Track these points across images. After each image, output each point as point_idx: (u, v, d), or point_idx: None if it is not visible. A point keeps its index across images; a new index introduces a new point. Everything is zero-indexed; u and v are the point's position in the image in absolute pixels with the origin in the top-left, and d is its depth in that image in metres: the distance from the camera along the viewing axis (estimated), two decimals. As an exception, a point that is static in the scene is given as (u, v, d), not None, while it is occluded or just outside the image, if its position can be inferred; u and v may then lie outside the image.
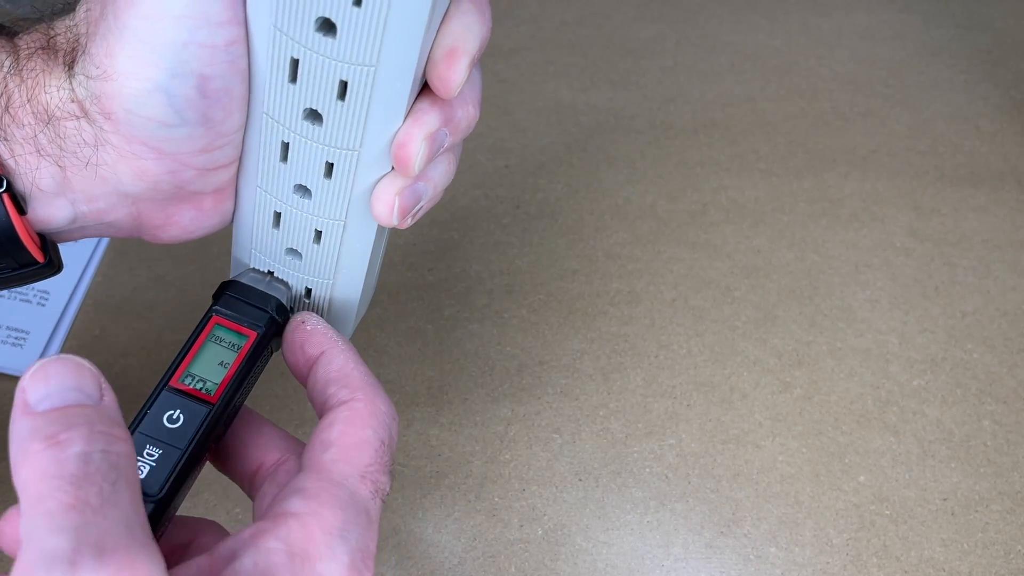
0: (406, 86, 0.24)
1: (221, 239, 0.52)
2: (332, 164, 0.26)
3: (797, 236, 0.54)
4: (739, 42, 0.67)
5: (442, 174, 0.28)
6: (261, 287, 0.29)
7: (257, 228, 0.29)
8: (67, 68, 0.25)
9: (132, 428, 0.25)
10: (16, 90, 0.25)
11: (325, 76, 0.24)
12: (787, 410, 0.46)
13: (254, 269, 0.30)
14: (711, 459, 0.44)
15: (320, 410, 0.27)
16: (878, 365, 0.48)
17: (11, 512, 0.23)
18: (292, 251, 0.30)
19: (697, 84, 0.63)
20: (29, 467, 0.20)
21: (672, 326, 0.49)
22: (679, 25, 0.68)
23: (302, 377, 0.29)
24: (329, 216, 0.28)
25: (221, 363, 0.27)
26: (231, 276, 0.32)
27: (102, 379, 0.22)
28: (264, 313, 0.29)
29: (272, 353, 0.29)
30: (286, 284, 0.30)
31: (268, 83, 0.25)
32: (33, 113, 0.25)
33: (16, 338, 0.47)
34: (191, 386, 0.27)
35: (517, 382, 0.46)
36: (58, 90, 0.25)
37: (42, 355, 0.47)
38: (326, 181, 0.27)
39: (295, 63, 0.24)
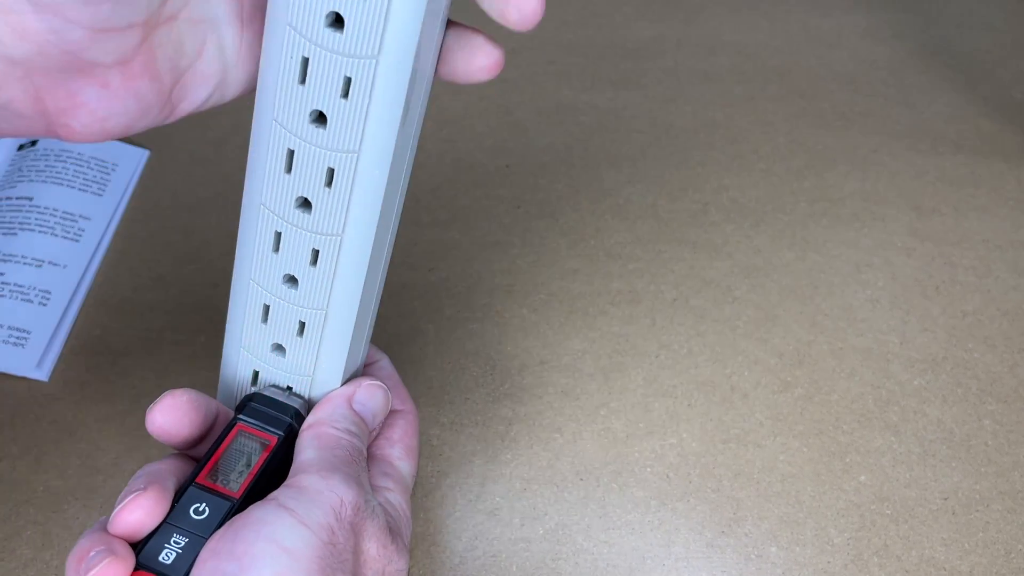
0: (384, 173, 0.27)
1: (222, 240, 0.52)
2: (318, 251, 0.29)
3: (798, 236, 0.54)
4: (739, 42, 0.67)
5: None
6: (281, 399, 0.33)
7: (248, 323, 0.32)
8: None
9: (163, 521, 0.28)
10: None
11: (317, 165, 0.27)
12: (788, 410, 0.46)
13: (274, 385, 0.33)
14: (712, 459, 0.44)
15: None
16: (879, 365, 0.48)
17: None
18: (278, 347, 0.32)
19: (697, 84, 0.63)
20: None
21: (673, 326, 0.49)
22: (679, 25, 0.68)
23: None
24: (312, 305, 0.30)
25: (244, 464, 0.30)
26: (218, 392, 0.35)
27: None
28: (284, 420, 0.32)
29: (290, 458, 0.31)
30: (302, 397, 0.33)
31: (267, 176, 0.28)
32: None
33: (17, 338, 0.47)
34: (216, 483, 0.29)
35: (518, 382, 0.46)
36: None
37: (43, 355, 0.47)
38: (312, 269, 0.30)
39: (291, 154, 0.27)
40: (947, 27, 0.69)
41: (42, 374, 0.46)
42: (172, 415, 0.30)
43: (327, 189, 0.27)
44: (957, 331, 0.49)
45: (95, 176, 0.55)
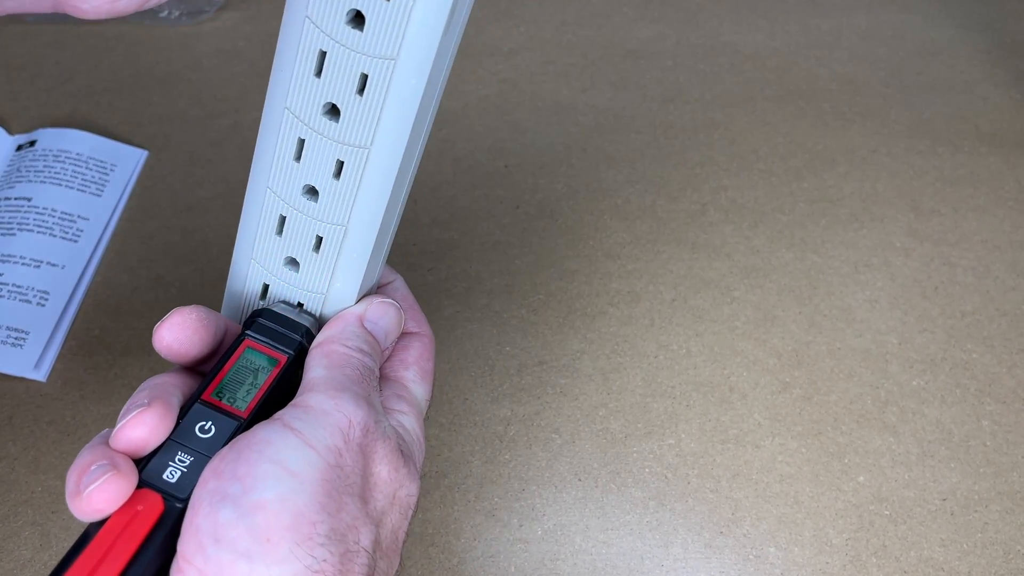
0: (420, 84, 0.25)
1: (221, 241, 0.52)
2: (343, 163, 0.27)
3: (797, 236, 0.54)
4: (739, 42, 0.67)
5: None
6: (291, 316, 0.31)
7: (261, 234, 0.30)
8: None
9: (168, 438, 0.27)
10: None
11: (348, 69, 0.25)
12: (786, 410, 0.46)
13: (284, 301, 0.32)
14: (710, 459, 0.44)
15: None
16: (877, 365, 0.48)
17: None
18: (291, 261, 0.31)
19: (697, 84, 0.63)
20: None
21: (671, 326, 0.49)
22: (679, 25, 0.68)
23: None
24: (332, 220, 0.29)
25: (252, 383, 0.29)
26: (223, 305, 0.33)
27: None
28: (294, 339, 0.30)
29: (299, 378, 0.30)
30: (312, 315, 0.32)
31: (293, 76, 0.26)
32: None
33: (16, 338, 0.47)
34: (223, 401, 0.28)
35: (516, 382, 0.46)
36: None
37: (41, 356, 0.47)
38: (334, 182, 0.28)
39: (322, 55, 0.25)
40: (947, 27, 0.69)
41: (40, 374, 0.46)
42: (181, 333, 0.29)
43: (358, 97, 0.25)
44: (956, 331, 0.49)
45: (94, 176, 0.55)
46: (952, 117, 0.62)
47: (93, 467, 0.25)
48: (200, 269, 0.51)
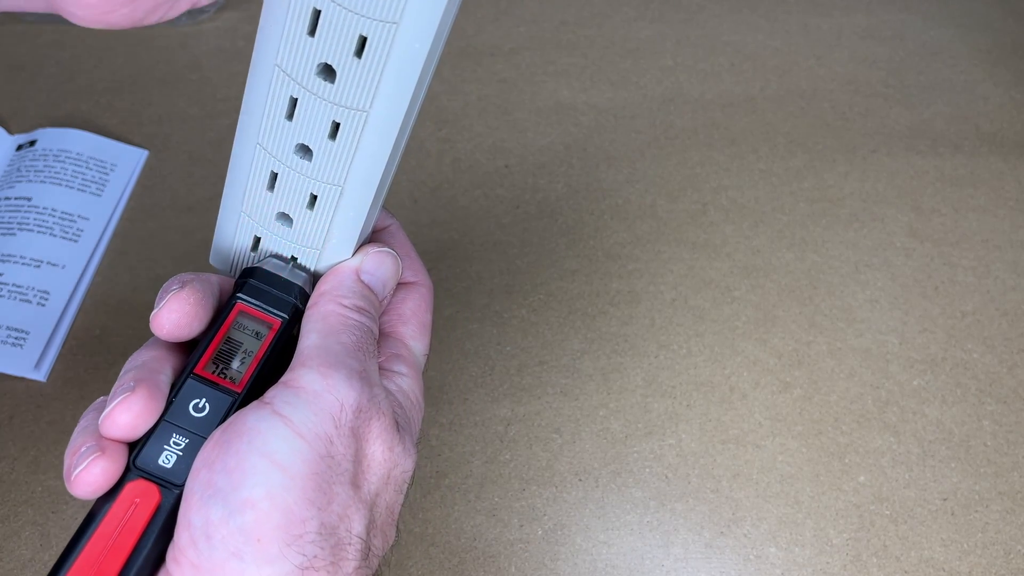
0: (424, 49, 0.24)
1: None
2: (339, 124, 0.26)
3: (797, 236, 0.54)
4: (739, 42, 0.67)
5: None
6: (284, 274, 0.29)
7: (251, 188, 0.29)
8: None
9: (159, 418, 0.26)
10: None
11: (345, 31, 0.24)
12: (787, 410, 0.46)
13: (276, 255, 0.30)
14: (711, 459, 0.44)
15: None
16: (878, 365, 0.48)
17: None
18: (283, 216, 0.29)
19: (697, 84, 0.63)
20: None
21: (672, 326, 0.49)
22: (679, 25, 0.68)
23: None
24: (327, 180, 0.27)
25: (246, 352, 0.28)
26: (211, 253, 0.32)
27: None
28: (288, 301, 0.29)
29: (295, 340, 0.29)
30: (306, 270, 0.30)
31: (284, 33, 0.24)
32: None
33: (16, 338, 0.47)
34: (216, 374, 0.27)
35: (517, 382, 0.46)
36: None
37: (41, 356, 0.47)
38: (330, 142, 0.26)
39: (316, 14, 0.24)
40: (947, 27, 0.69)
41: (40, 374, 0.46)
42: (180, 317, 0.27)
43: (356, 59, 0.24)
44: (956, 331, 0.49)
45: (94, 176, 0.55)
46: (952, 117, 0.62)
47: (82, 449, 0.25)
48: (200, 269, 0.51)
